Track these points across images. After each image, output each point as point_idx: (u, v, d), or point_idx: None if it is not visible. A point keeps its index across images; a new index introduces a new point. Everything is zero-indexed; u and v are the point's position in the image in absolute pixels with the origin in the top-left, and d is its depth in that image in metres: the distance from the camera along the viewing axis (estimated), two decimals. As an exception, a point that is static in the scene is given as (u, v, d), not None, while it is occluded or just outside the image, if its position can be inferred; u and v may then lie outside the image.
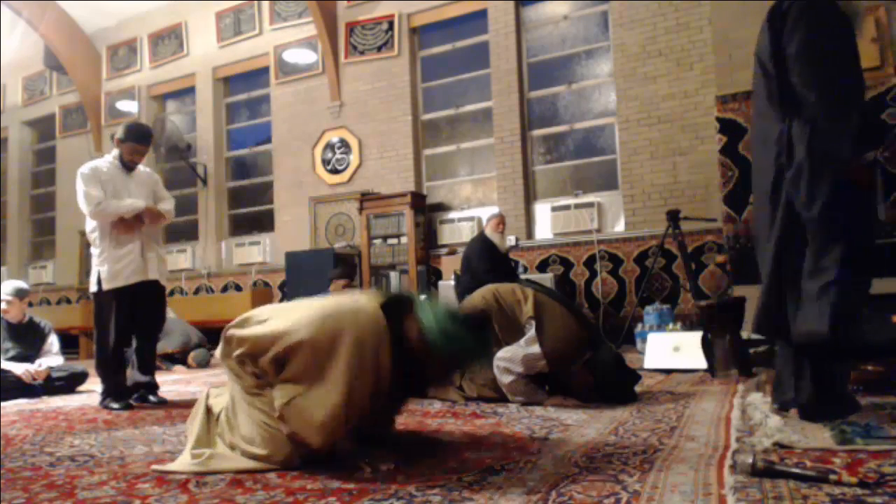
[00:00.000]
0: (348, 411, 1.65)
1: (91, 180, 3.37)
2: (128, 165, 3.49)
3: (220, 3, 8.64)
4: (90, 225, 3.46)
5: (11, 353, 4.13)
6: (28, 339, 4.28)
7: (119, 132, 3.48)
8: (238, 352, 1.80)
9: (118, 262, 3.37)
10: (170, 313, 6.58)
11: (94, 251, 3.44)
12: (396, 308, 1.79)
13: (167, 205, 3.59)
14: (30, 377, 4.05)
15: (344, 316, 1.71)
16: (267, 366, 1.74)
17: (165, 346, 5.67)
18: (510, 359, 2.78)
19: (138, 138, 3.47)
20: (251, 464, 1.78)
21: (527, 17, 7.07)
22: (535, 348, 2.74)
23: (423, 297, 1.88)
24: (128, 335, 3.47)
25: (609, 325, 6.09)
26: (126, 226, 3.39)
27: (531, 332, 2.78)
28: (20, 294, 4.27)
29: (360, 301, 1.78)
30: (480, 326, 1.90)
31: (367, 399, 1.69)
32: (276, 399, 1.71)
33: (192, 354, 5.97)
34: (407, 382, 1.85)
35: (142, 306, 3.46)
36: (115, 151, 3.50)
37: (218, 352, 1.92)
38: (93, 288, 3.43)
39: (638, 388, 3.11)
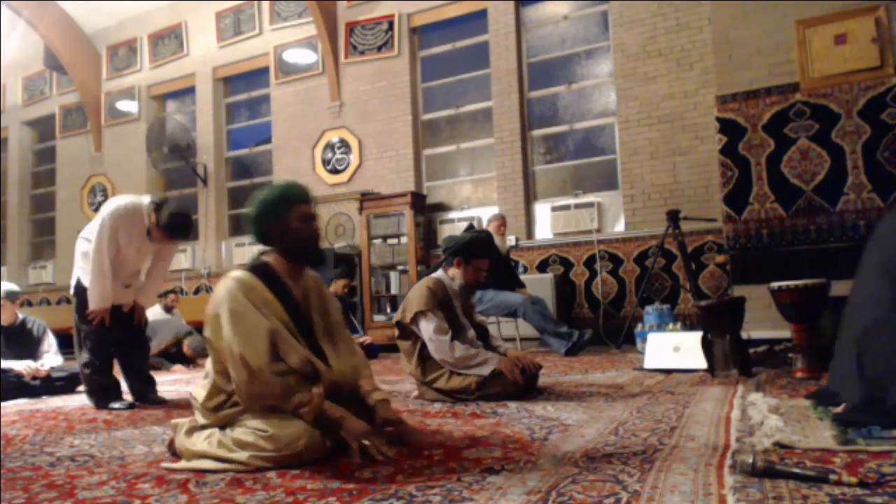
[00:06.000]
0: (261, 344, 1.88)
1: (118, 231, 3.27)
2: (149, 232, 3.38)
3: (220, 3, 8.64)
4: (83, 245, 3.40)
5: (8, 356, 4.12)
6: (23, 341, 4.27)
7: (163, 214, 3.25)
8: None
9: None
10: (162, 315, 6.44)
11: (80, 257, 3.41)
12: (259, 258, 2.15)
13: (146, 298, 3.56)
14: (31, 373, 4.05)
15: (216, 301, 1.98)
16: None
17: (157, 343, 5.66)
18: (436, 351, 3.01)
19: (174, 233, 3.34)
20: (264, 458, 1.78)
21: (527, 17, 7.07)
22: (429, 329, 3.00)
23: None
24: (107, 343, 3.45)
25: (609, 325, 6.09)
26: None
27: (423, 322, 3.02)
28: (11, 297, 4.26)
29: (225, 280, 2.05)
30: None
31: (274, 326, 1.92)
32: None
33: (185, 343, 5.96)
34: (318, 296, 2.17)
35: (120, 322, 3.45)
36: (148, 204, 3.35)
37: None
38: (72, 290, 3.44)
39: (638, 389, 3.12)
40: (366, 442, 1.81)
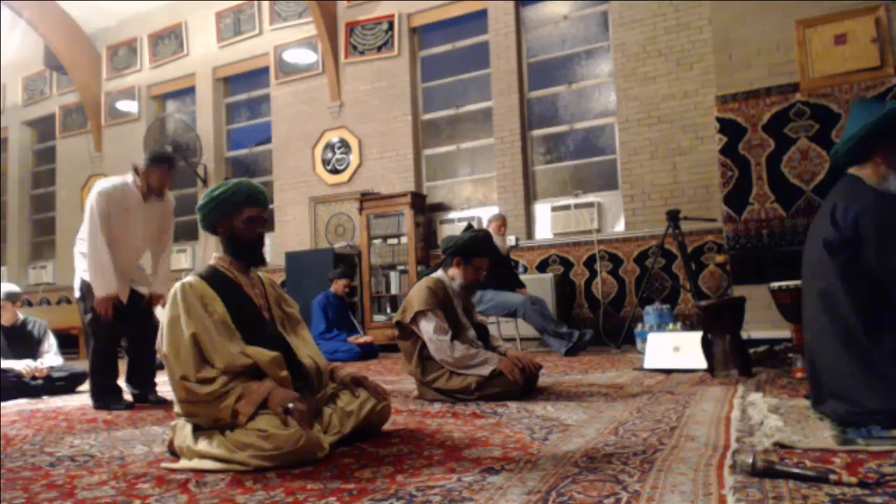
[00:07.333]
0: (199, 346, 1.94)
1: (109, 212, 3.27)
2: (150, 189, 3.41)
3: (220, 3, 8.64)
4: (81, 245, 3.40)
5: (9, 357, 4.13)
6: (24, 341, 4.28)
7: (147, 161, 3.37)
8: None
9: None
10: None
11: (79, 257, 3.40)
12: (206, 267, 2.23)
13: (161, 286, 3.56)
14: (31, 373, 4.05)
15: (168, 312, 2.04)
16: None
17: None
18: (436, 351, 3.01)
19: (163, 162, 3.38)
20: (263, 458, 1.78)
21: (527, 17, 7.07)
22: (429, 328, 3.01)
23: None
24: (115, 342, 3.45)
25: (609, 325, 6.09)
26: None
27: (423, 322, 3.04)
28: (12, 298, 4.27)
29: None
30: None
31: (196, 330, 1.95)
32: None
33: None
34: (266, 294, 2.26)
35: (128, 317, 3.44)
36: (133, 177, 3.38)
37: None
38: (77, 294, 3.44)
39: (638, 389, 3.12)
40: (290, 406, 1.86)
